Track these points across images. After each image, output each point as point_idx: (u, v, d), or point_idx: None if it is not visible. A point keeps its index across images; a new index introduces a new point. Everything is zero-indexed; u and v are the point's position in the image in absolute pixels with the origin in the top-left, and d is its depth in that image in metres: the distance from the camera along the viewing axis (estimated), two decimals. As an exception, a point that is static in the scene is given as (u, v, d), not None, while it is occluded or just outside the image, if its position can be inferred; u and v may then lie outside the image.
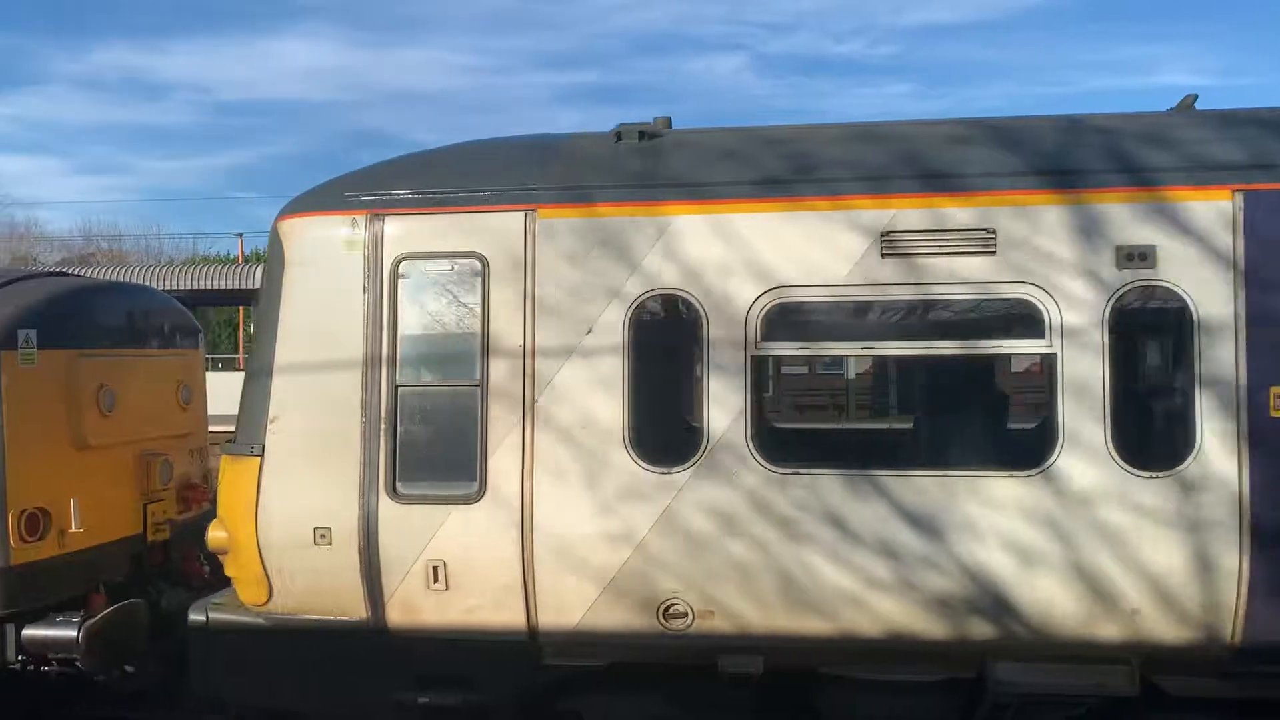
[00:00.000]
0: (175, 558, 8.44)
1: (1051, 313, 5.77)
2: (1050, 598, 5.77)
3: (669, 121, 7.09)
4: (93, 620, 7.09)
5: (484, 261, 6.27)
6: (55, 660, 7.42)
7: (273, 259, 6.71)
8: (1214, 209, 5.71)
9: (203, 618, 6.77)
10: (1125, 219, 5.76)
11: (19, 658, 7.22)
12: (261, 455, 6.47)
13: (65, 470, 7.42)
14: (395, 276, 6.38)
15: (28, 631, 7.17)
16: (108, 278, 13.40)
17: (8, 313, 7.19)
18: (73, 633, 7.04)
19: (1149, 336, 6.04)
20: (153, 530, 8.23)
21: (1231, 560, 5.63)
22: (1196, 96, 6.85)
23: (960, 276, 5.88)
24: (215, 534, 6.69)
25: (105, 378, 7.79)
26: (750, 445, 5.98)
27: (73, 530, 7.39)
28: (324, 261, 6.46)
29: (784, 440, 6.52)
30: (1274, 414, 5.62)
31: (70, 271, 9.37)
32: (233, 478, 6.59)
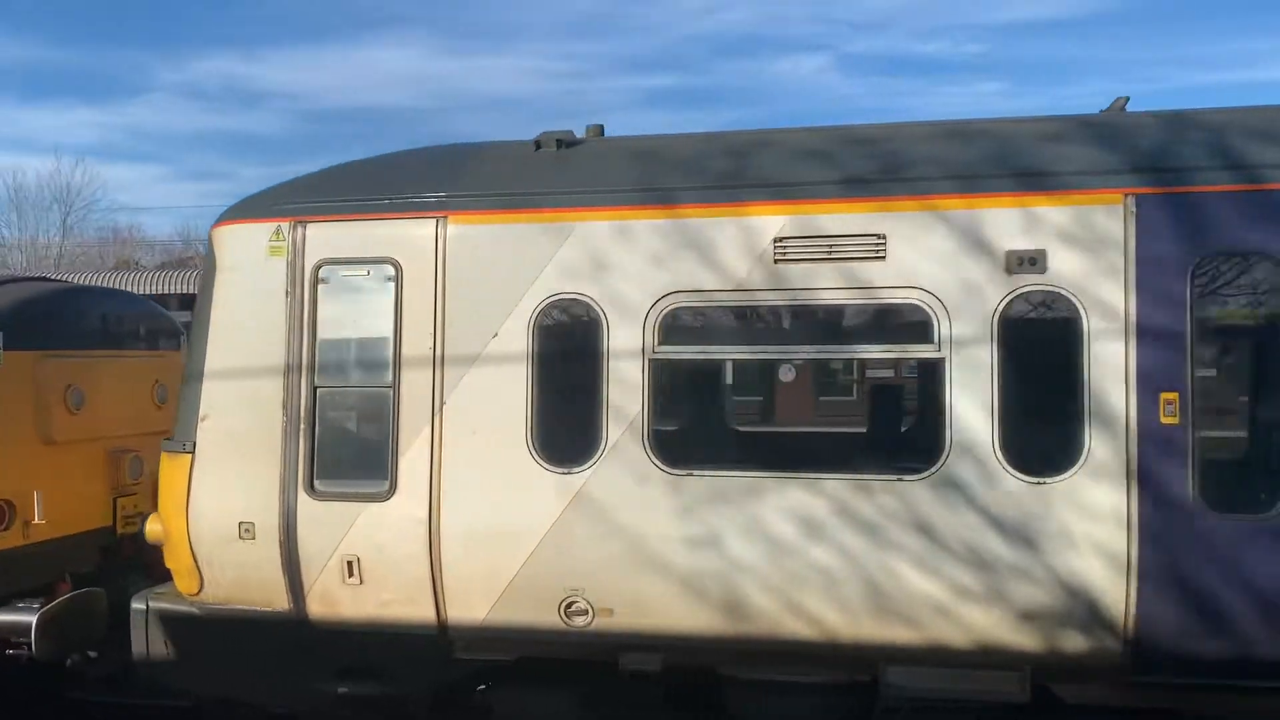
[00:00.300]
0: (146, 550, 8.80)
1: (940, 318, 5.77)
2: (941, 602, 5.78)
3: (601, 130, 7.23)
4: (48, 607, 7.48)
5: (397, 267, 6.48)
6: (25, 645, 7.82)
7: (207, 265, 7.02)
8: (1105, 213, 5.65)
9: (143, 606, 7.10)
10: (1016, 223, 5.74)
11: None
12: (193, 453, 6.77)
13: (31, 465, 7.82)
14: (315, 281, 6.62)
15: (-11, 616, 7.59)
16: (93, 284, 13.60)
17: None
18: (29, 618, 7.43)
19: (1039, 342, 5.98)
20: (123, 523, 8.60)
21: (1120, 567, 5.58)
22: (1128, 99, 6.77)
23: (851, 282, 5.91)
24: (152, 527, 7.03)
25: (73, 378, 8.18)
26: (649, 447, 6.10)
27: (37, 521, 7.78)
28: (251, 267, 6.73)
29: (701, 441, 6.59)
30: (1164, 421, 5.55)
31: (51, 277, 9.83)
32: (167, 473, 6.91)
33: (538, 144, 6.81)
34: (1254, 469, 5.67)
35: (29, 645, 7.47)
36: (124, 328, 8.91)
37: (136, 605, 7.11)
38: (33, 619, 7.40)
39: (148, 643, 7.07)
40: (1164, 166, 5.66)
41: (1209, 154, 5.67)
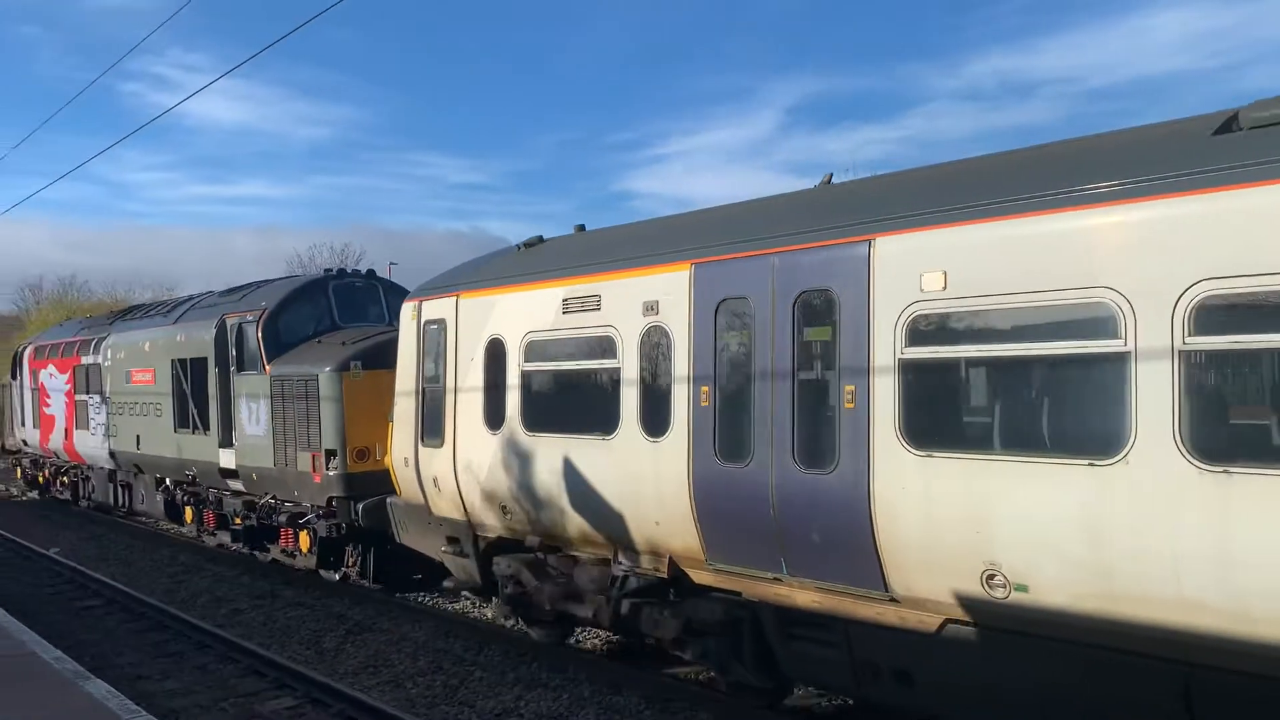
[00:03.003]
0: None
1: (618, 342, 9.69)
2: (623, 513, 9.69)
3: (583, 227, 12.03)
4: (365, 501, 14.52)
5: (444, 323, 12.13)
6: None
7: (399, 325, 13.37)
8: (681, 276, 9.09)
9: (388, 501, 13.73)
10: (647, 285, 9.42)
11: (356, 519, 14.95)
12: (392, 421, 13.20)
13: (378, 429, 14.96)
14: (424, 331, 12.57)
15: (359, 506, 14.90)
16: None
17: (347, 353, 15.09)
18: (359, 505, 14.56)
19: (656, 355, 9.29)
20: (436, 464, 15.43)
21: (687, 494, 9.00)
22: (831, 175, 9.68)
23: (589, 323, 10.07)
24: (385, 460, 13.61)
25: (402, 383, 15.18)
26: (520, 419, 10.91)
27: (379, 458, 14.93)
28: (408, 327, 12.92)
29: (540, 415, 10.95)
30: (703, 404, 8.86)
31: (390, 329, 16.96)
32: (389, 433, 13.43)
33: (518, 247, 11.92)
34: (741, 435, 8.54)
35: (359, 520, 14.64)
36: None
37: (388, 500, 13.77)
38: (360, 505, 14.55)
39: (392, 521, 13.69)
40: (706, 245, 8.92)
41: (731, 234, 8.79)
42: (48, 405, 26.44)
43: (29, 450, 29.10)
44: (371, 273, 17.76)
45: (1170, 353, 6.00)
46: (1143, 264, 6.14)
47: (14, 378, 30.13)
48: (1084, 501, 6.36)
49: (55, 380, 25.73)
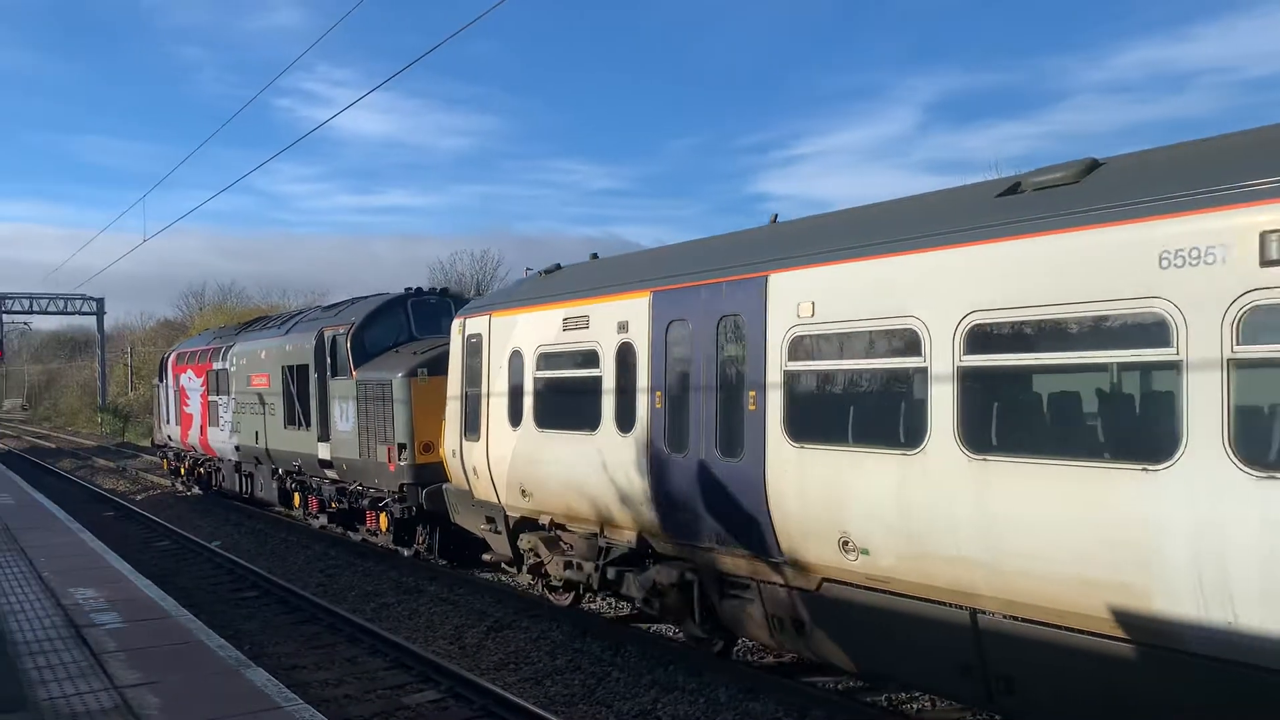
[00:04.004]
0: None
1: (600, 355, 11.81)
2: (607, 496, 11.81)
3: (595, 255, 14.24)
4: (428, 488, 17.00)
5: (482, 336, 14.48)
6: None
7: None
8: (643, 301, 11.16)
9: (443, 487, 16.18)
10: (621, 308, 11.52)
11: (422, 503, 17.46)
12: (444, 419, 15.64)
13: (437, 426, 17.46)
14: (466, 344, 14.96)
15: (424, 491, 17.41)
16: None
17: (415, 361, 17.65)
18: (422, 490, 17.05)
19: (626, 365, 11.35)
20: (492, 457, 17.85)
21: (645, 479, 11.06)
22: (777, 215, 11.64)
23: (580, 338, 12.24)
24: (440, 452, 16.06)
25: (462, 387, 17.66)
26: (533, 418, 13.16)
27: (439, 449, 17.41)
28: (456, 340, 15.34)
29: (547, 415, 13.10)
30: (657, 405, 10.91)
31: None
32: (443, 430, 15.87)
33: (540, 273, 14.18)
34: (682, 430, 10.52)
35: (424, 504, 17.15)
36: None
37: (443, 487, 16.22)
38: (424, 491, 17.05)
39: (445, 503, 16.14)
40: (660, 276, 10.97)
41: (678, 268, 10.80)
42: (187, 405, 30.17)
43: (172, 445, 33.03)
44: (445, 290, 20.36)
45: (951, 366, 7.79)
46: (935, 298, 7.94)
47: (160, 380, 34.22)
48: (899, 483, 8.18)
49: (192, 383, 29.40)
